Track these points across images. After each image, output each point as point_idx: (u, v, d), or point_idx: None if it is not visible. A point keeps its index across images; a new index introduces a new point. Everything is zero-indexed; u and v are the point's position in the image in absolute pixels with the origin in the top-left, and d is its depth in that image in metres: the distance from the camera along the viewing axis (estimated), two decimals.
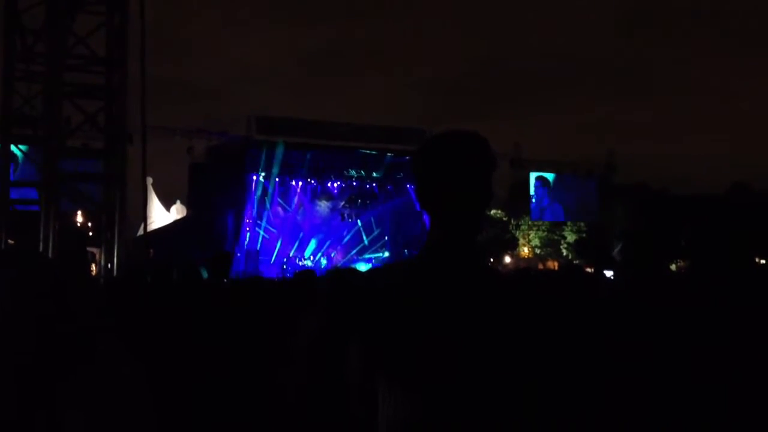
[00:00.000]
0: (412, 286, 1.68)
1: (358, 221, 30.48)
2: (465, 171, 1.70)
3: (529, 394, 1.65)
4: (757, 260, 30.47)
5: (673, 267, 31.76)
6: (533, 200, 36.05)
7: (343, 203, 30.21)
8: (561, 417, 1.78)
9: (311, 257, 29.27)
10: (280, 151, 26.62)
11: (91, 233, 16.09)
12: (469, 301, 1.65)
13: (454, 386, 1.60)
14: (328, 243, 29.88)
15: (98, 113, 10.66)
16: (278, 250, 28.64)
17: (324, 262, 28.79)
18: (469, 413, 1.59)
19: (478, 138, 1.74)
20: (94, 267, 12.73)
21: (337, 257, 29.66)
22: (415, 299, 1.65)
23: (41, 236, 9.88)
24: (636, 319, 4.55)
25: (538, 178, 36.32)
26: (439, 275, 1.68)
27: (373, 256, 30.30)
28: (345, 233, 30.40)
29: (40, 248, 9.77)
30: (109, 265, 10.88)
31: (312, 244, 29.54)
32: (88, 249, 14.32)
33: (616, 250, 35.42)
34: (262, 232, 28.23)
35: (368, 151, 28.64)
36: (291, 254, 28.91)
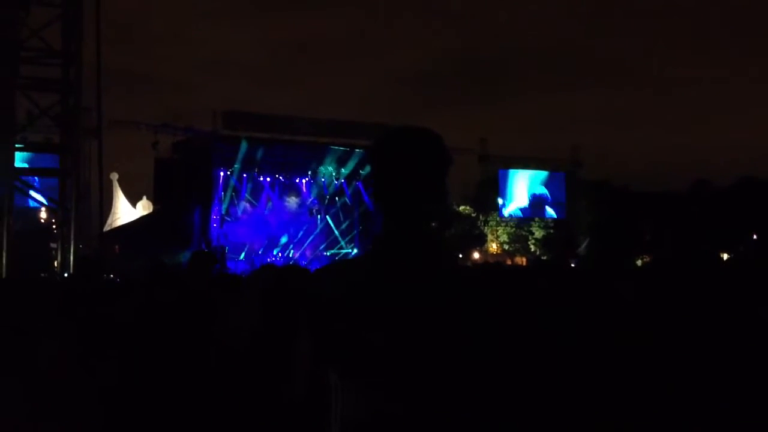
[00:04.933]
0: (362, 282, 1.68)
1: (327, 218, 30.37)
2: (418, 167, 1.72)
3: (480, 389, 1.63)
4: (721, 255, 30.98)
5: (638, 263, 32.13)
6: (500, 197, 36.34)
7: (311, 199, 30.08)
8: (518, 413, 1.77)
9: (280, 254, 29.10)
10: (240, 148, 26.45)
11: (55, 229, 15.88)
12: (421, 295, 1.64)
13: (408, 382, 1.59)
14: (296, 240, 29.73)
15: (54, 107, 10.49)
16: (246, 246, 28.43)
17: (294, 260, 28.65)
18: (424, 410, 1.58)
19: (431, 134, 1.77)
20: (56, 263, 12.57)
21: (306, 254, 29.53)
22: (366, 295, 1.65)
23: None
24: (594, 312, 4.59)
25: (505, 175, 36.61)
26: (390, 270, 1.68)
27: (341, 252, 30.21)
28: (313, 230, 30.25)
29: None
30: (65, 262, 10.72)
31: (282, 241, 29.38)
32: (52, 245, 14.12)
33: (583, 245, 35.75)
34: (229, 229, 28.01)
35: (338, 147, 28.55)
36: (260, 251, 28.72)
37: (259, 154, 27.36)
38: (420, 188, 1.71)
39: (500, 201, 37.14)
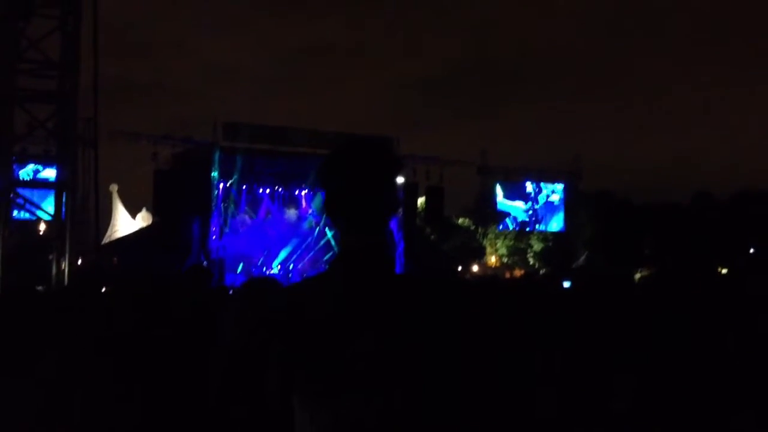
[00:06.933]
0: (323, 299, 1.66)
1: (326, 230, 30.30)
2: (367, 179, 1.69)
3: (439, 405, 1.62)
4: (719, 269, 30.88)
5: (637, 276, 32.05)
6: (498, 208, 36.33)
7: (311, 212, 30.04)
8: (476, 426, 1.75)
9: (279, 266, 29.04)
10: (240, 160, 26.52)
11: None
12: (379, 311, 1.63)
13: (366, 398, 1.58)
14: (297, 252, 29.66)
15: (50, 119, 10.48)
16: (245, 259, 28.37)
17: (291, 273, 28.57)
18: (381, 425, 1.57)
19: (380, 145, 1.74)
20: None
21: (305, 266, 29.46)
22: (326, 313, 1.63)
23: None
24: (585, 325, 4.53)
25: (504, 187, 36.60)
26: (349, 286, 1.66)
27: None
28: (313, 242, 30.18)
29: None
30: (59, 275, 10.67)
31: (282, 253, 29.32)
32: (51, 258, 14.08)
33: (581, 258, 35.72)
34: (228, 241, 27.95)
35: None
36: (259, 263, 28.66)
37: (259, 165, 27.35)
38: (378, 200, 1.69)
39: (499, 213, 37.07)
